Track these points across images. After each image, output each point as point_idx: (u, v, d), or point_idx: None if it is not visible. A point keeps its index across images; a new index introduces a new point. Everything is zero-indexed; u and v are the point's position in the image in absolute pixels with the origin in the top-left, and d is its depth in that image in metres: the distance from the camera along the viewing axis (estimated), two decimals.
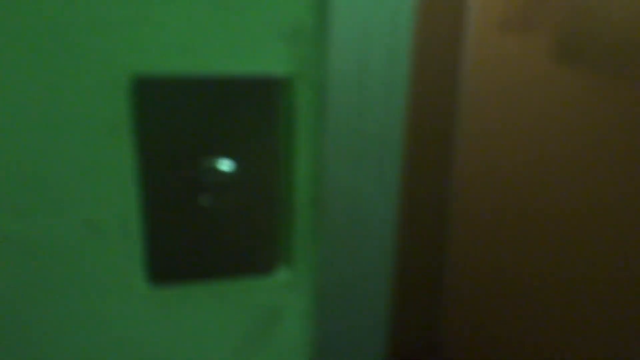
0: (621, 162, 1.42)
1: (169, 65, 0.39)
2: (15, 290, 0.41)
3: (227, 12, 0.39)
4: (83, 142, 0.39)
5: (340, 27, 0.40)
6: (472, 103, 2.22)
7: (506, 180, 1.95)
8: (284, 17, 0.40)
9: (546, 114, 1.76)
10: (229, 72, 0.40)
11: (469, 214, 2.17)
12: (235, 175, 0.43)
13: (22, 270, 0.41)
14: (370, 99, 0.43)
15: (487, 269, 2.03)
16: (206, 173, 0.42)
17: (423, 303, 2.33)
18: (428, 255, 2.31)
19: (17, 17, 0.36)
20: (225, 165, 0.42)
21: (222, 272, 0.45)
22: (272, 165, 0.43)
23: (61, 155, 0.39)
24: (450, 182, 2.27)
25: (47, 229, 0.40)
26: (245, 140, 0.42)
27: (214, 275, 0.45)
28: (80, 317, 0.43)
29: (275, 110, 0.42)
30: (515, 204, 1.87)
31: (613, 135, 1.48)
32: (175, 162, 0.41)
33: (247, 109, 0.41)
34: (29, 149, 0.38)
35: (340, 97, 0.42)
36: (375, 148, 0.44)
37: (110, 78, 0.38)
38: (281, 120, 0.42)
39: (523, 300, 1.79)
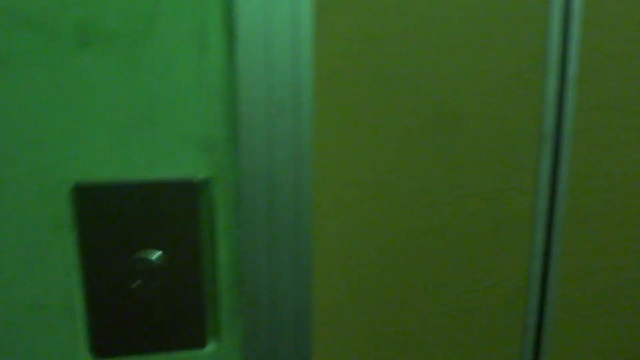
0: None
1: (100, 173, 0.46)
2: None
3: (146, 127, 0.46)
4: (30, 236, 0.46)
5: (248, 136, 0.47)
6: None
7: None
8: (198, 130, 0.47)
9: None
10: (154, 178, 0.47)
11: None
12: (163, 264, 0.49)
13: None
14: (279, 195, 0.49)
15: None
16: (138, 262, 0.48)
17: None
18: None
19: None
20: (154, 255, 0.49)
21: (158, 347, 0.51)
22: (197, 255, 0.49)
23: (10, 247, 0.46)
24: None
25: None
26: (172, 234, 0.48)
27: (151, 349, 0.51)
28: None
29: (196, 208, 0.48)
30: None
31: None
32: (112, 253, 0.48)
33: (173, 208, 0.48)
34: None
35: (253, 196, 0.48)
36: (288, 237, 0.50)
37: (51, 185, 0.46)
38: (203, 216, 0.49)
39: None
